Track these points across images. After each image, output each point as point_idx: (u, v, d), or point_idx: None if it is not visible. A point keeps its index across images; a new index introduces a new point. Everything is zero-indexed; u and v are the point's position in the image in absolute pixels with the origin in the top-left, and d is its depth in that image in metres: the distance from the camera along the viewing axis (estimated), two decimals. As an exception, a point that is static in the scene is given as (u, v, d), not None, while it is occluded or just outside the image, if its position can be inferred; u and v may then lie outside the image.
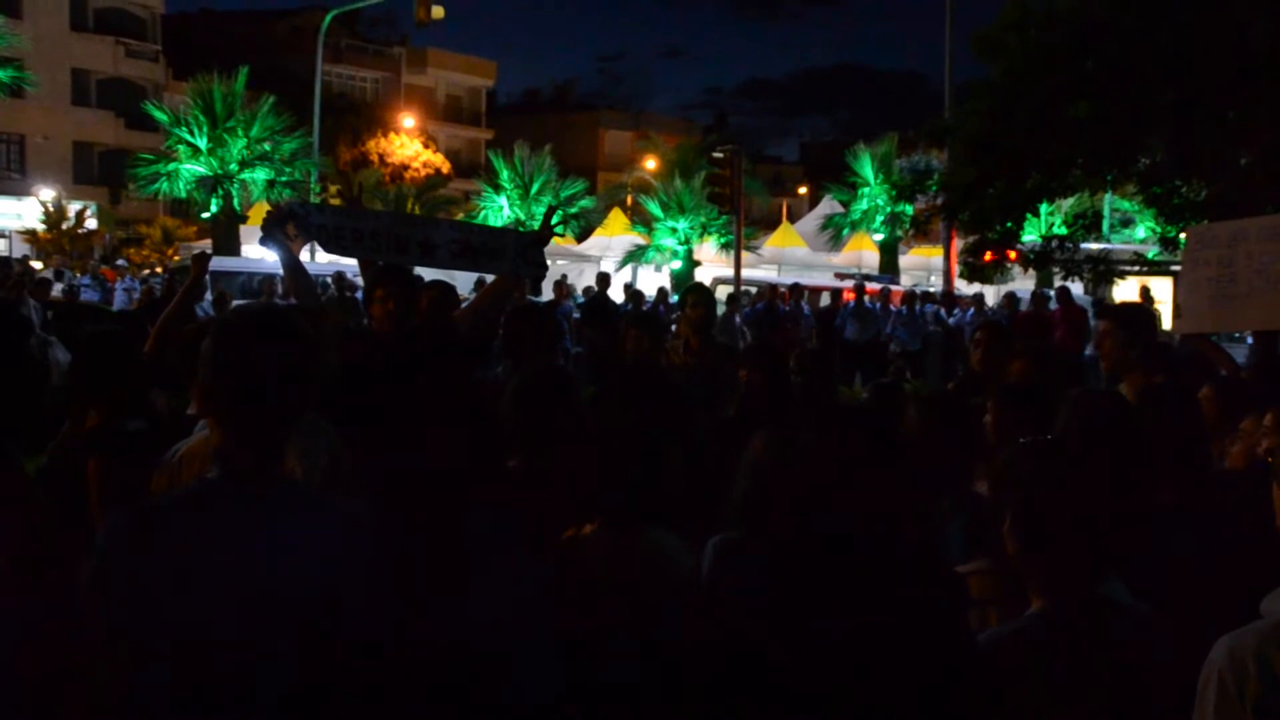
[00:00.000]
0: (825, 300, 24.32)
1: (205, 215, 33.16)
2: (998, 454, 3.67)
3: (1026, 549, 2.58)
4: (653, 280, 32.33)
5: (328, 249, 5.64)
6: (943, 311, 21.99)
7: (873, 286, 23.44)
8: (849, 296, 21.88)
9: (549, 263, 6.52)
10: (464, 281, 20.46)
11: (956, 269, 23.40)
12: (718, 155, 20.73)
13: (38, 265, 27.76)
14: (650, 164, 43.43)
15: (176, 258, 36.06)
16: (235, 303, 17.33)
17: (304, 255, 5.82)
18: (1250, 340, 16.27)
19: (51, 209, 39.62)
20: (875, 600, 2.28)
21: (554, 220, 6.35)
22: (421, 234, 5.83)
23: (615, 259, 35.05)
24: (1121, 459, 3.37)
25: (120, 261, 31.69)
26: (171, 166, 31.80)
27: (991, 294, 24.87)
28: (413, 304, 5.49)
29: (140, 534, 2.15)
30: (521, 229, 29.00)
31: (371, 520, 2.44)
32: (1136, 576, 2.72)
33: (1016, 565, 2.63)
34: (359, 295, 17.47)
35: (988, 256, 19.05)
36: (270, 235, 5.32)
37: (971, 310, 21.89)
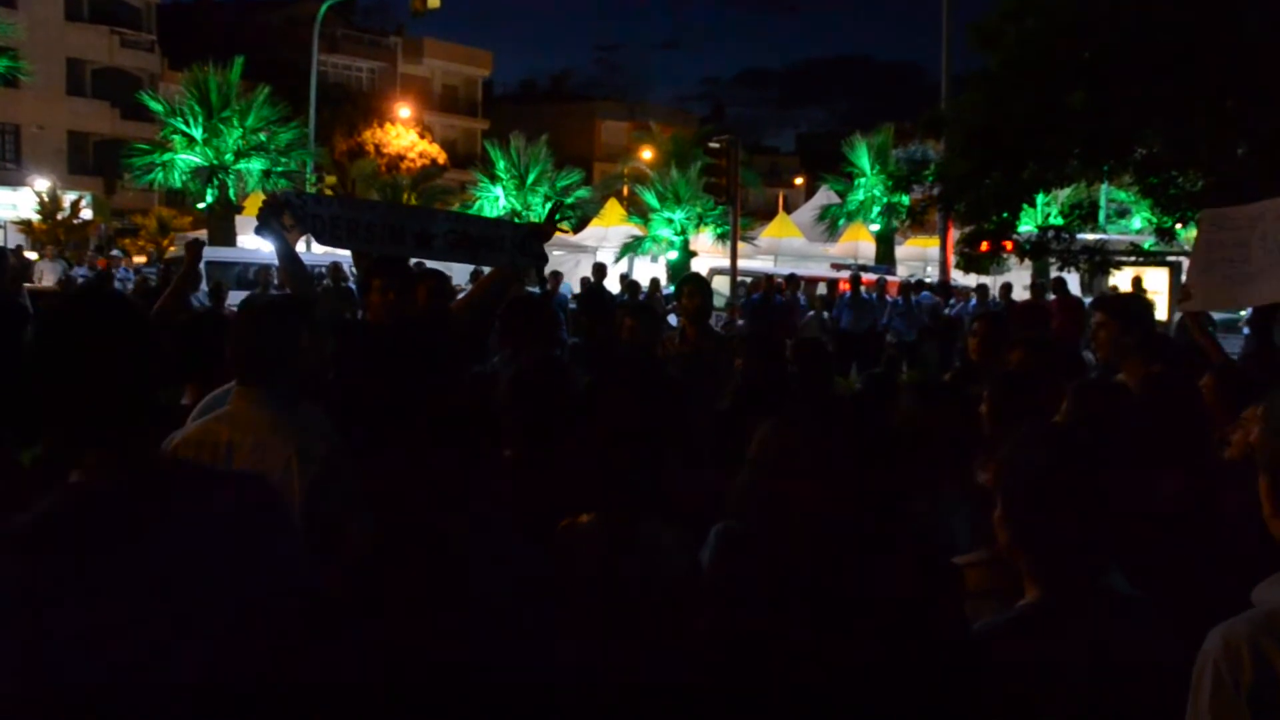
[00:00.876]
0: (821, 291, 24.34)
1: (201, 206, 33.16)
2: (994, 443, 3.67)
3: (1016, 538, 2.57)
4: (649, 271, 32.33)
5: (323, 241, 5.60)
6: (941, 303, 22.00)
7: (869, 277, 23.45)
8: (845, 287, 21.89)
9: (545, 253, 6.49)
10: (459, 272, 20.50)
11: (953, 259, 23.40)
12: (714, 146, 20.65)
13: (32, 256, 27.67)
14: (647, 154, 43.41)
15: (172, 248, 36.01)
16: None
17: (299, 245, 5.77)
18: (1246, 330, 16.32)
19: (46, 199, 39.57)
20: (874, 591, 2.28)
21: (558, 217, 6.30)
22: (418, 225, 5.80)
23: (612, 250, 35.02)
24: (1124, 449, 3.37)
25: (115, 252, 31.67)
26: (167, 157, 31.77)
27: (992, 284, 24.90)
28: (410, 295, 5.47)
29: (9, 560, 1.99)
30: (518, 219, 28.91)
31: (270, 488, 2.34)
32: (1138, 567, 2.71)
33: (1008, 555, 2.62)
34: (353, 285, 17.49)
35: (983, 246, 19.06)
36: (266, 225, 5.29)
37: (974, 300, 21.90)
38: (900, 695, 2.28)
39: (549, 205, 7.14)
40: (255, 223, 5.48)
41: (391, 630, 2.46)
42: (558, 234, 6.61)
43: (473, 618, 2.63)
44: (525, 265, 6.29)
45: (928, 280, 26.67)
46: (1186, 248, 13.62)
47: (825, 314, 20.48)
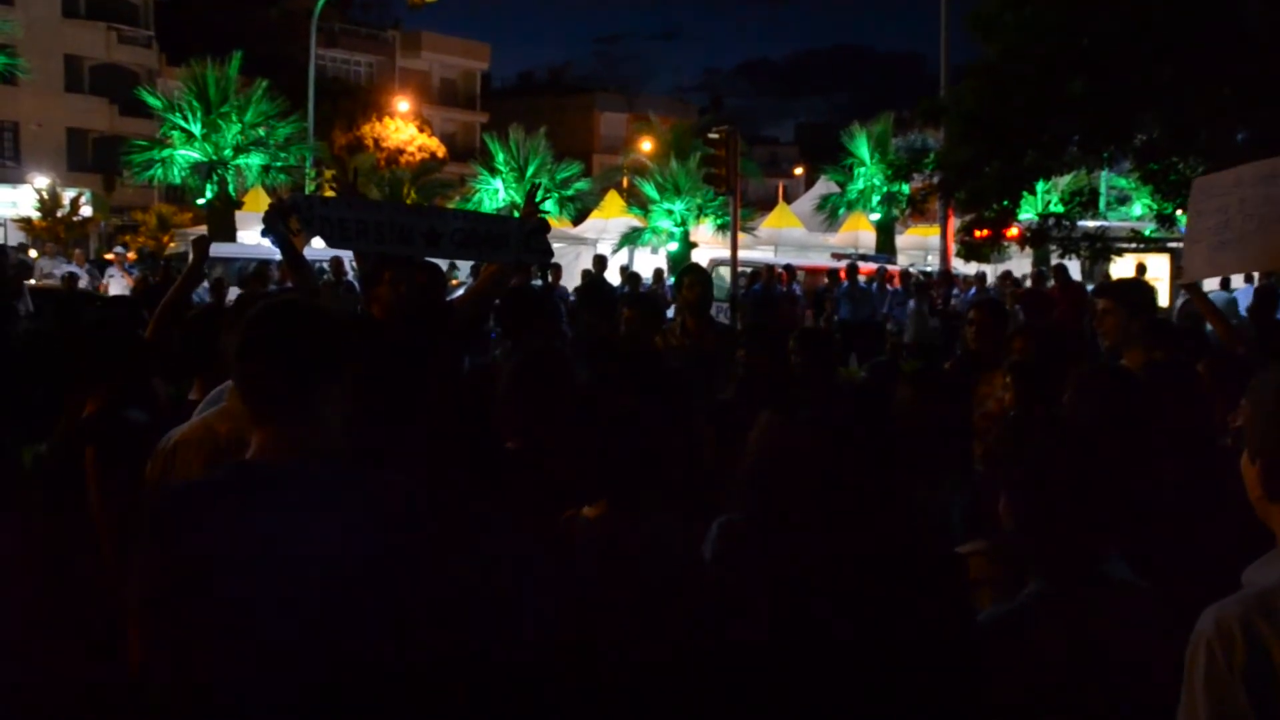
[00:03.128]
0: (823, 281, 24.34)
1: (200, 201, 33.12)
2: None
3: (1024, 526, 2.57)
4: (649, 262, 32.30)
5: (332, 243, 5.58)
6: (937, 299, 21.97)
7: (869, 266, 23.43)
8: (843, 276, 21.90)
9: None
10: (463, 265, 20.43)
11: (953, 248, 23.39)
12: (713, 136, 20.57)
13: (33, 254, 27.65)
14: (646, 146, 43.34)
15: (172, 244, 35.98)
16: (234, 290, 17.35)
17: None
18: (1244, 315, 16.29)
19: (46, 196, 39.53)
20: (876, 579, 2.28)
21: (538, 199, 6.28)
22: (426, 224, 5.77)
23: (612, 241, 34.98)
24: (1127, 435, 3.37)
25: (119, 248, 31.67)
26: (166, 153, 31.73)
27: (991, 272, 24.92)
28: (413, 288, 5.47)
29: (182, 513, 2.28)
30: (518, 213, 28.89)
31: (419, 492, 2.49)
32: (1141, 554, 2.71)
33: (1014, 542, 2.62)
34: (353, 280, 17.49)
35: (983, 232, 19.05)
36: (272, 228, 5.28)
37: (974, 290, 21.89)
38: (906, 683, 2.29)
39: (531, 191, 7.02)
40: (255, 217, 5.48)
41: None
42: (556, 225, 6.60)
43: (474, 609, 2.64)
44: (532, 261, 6.28)
45: (928, 270, 26.63)
46: (1187, 234, 13.62)
47: (928, 307, 19.93)
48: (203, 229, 31.59)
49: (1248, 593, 1.92)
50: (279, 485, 2.32)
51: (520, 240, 5.88)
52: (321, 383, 2.43)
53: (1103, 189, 27.70)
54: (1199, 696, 1.88)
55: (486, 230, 5.92)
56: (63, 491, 3.73)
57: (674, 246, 35.46)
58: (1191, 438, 3.70)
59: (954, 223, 23.93)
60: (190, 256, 7.23)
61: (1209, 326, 7.32)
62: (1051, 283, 19.78)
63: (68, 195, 40.49)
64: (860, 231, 37.88)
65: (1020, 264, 25.56)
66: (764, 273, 22.52)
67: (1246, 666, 1.83)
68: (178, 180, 32.46)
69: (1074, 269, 20.66)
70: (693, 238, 35.89)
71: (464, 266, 20.61)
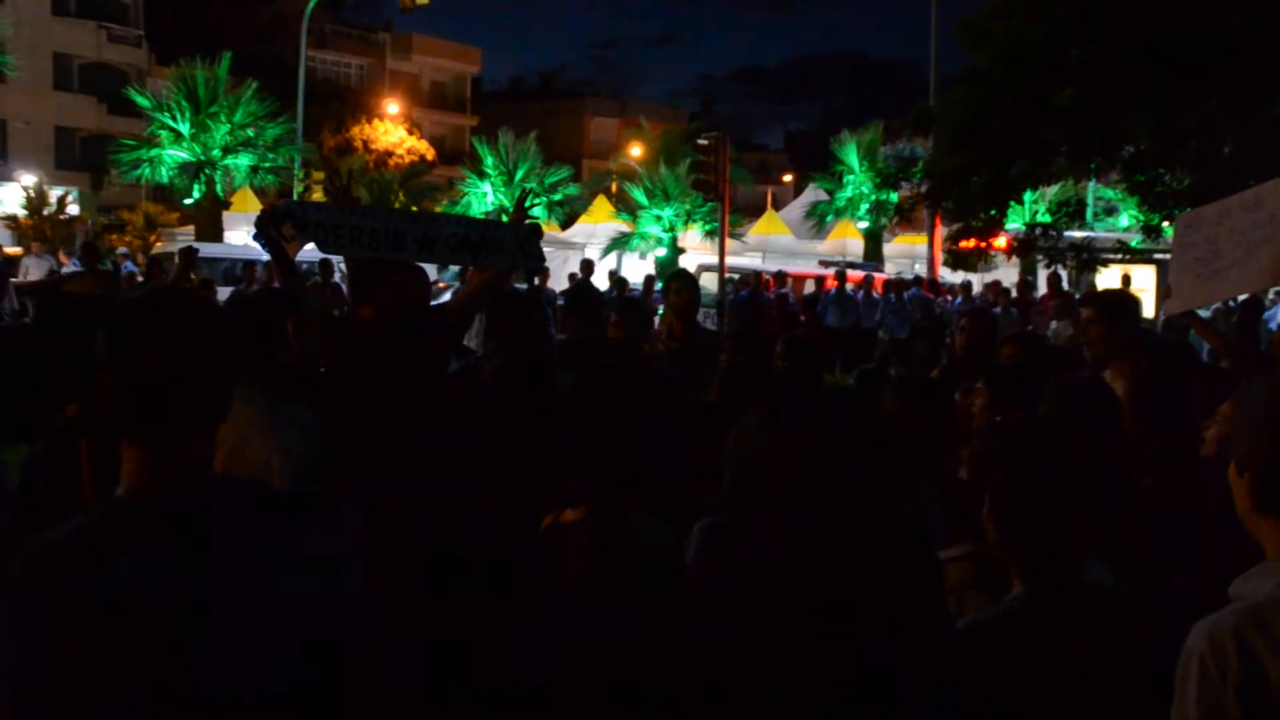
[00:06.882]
0: (810, 288, 24.39)
1: (188, 201, 33.05)
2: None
3: (1006, 532, 2.58)
4: (637, 268, 32.32)
5: (325, 248, 5.52)
6: (931, 298, 22.02)
7: (856, 274, 23.50)
8: (831, 283, 22.00)
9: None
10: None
11: (941, 257, 23.47)
12: (703, 142, 20.58)
13: (15, 251, 27.50)
14: (636, 151, 43.38)
15: (159, 244, 35.88)
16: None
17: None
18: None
19: (33, 195, 39.37)
20: (858, 587, 2.28)
21: (528, 204, 6.25)
22: (420, 230, 5.72)
23: (600, 246, 35.02)
24: (1099, 443, 3.38)
25: (121, 250, 31.58)
26: (154, 152, 31.67)
27: (977, 281, 25.00)
28: (414, 291, 5.43)
29: (52, 573, 1.82)
30: (505, 217, 28.89)
31: (323, 503, 2.35)
32: (1121, 560, 2.72)
33: (997, 549, 2.63)
34: (339, 282, 17.47)
35: (971, 243, 19.10)
36: (264, 234, 5.25)
37: (960, 299, 21.95)
38: (887, 691, 2.29)
39: (521, 196, 6.95)
40: (242, 218, 5.46)
41: (373, 624, 2.46)
42: (544, 229, 6.56)
43: (457, 613, 2.63)
44: (527, 266, 6.26)
45: (921, 275, 26.75)
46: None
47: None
48: (190, 229, 31.55)
49: (1240, 606, 1.90)
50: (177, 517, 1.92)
51: (515, 245, 5.85)
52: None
53: (1090, 200, 27.79)
54: (1191, 711, 1.87)
55: (480, 235, 5.88)
56: (58, 493, 3.70)
57: (662, 252, 35.50)
58: (1169, 445, 3.71)
59: (941, 231, 24.00)
60: (177, 261, 7.22)
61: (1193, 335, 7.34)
62: (1041, 292, 19.87)
63: (55, 194, 40.32)
64: (848, 239, 37.99)
65: (1007, 273, 25.66)
66: (751, 279, 22.58)
67: (1240, 680, 1.82)
68: (165, 180, 32.40)
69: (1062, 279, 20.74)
70: (681, 243, 35.93)
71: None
